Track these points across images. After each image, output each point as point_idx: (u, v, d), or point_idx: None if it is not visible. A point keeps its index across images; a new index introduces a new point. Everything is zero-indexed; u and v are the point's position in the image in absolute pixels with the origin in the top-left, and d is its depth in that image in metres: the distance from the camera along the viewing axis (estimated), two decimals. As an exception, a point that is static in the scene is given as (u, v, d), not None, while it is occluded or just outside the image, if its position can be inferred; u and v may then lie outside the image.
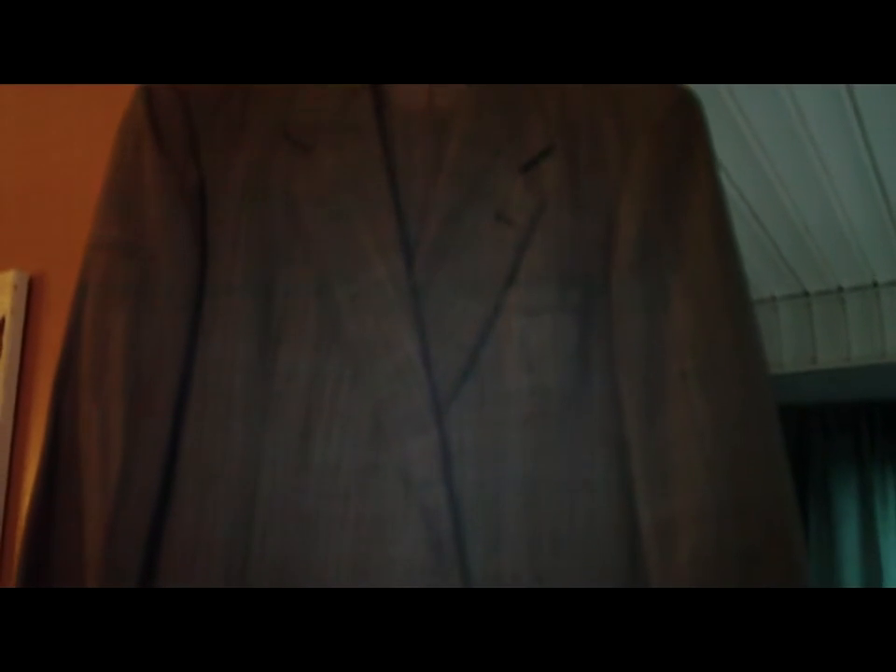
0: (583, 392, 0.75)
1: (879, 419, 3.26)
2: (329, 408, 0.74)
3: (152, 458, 0.74)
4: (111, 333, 0.77)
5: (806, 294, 3.10)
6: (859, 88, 1.97)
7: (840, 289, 3.05)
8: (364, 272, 0.76)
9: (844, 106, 2.05)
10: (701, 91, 0.84)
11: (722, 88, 1.96)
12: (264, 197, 0.80)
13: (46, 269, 1.12)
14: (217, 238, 0.79)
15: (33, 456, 0.82)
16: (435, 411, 0.73)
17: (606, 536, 0.73)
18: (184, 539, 0.74)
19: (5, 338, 1.08)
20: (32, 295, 1.11)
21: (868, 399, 3.30)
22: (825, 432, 3.31)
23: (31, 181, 1.19)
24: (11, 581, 0.74)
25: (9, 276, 1.11)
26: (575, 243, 0.77)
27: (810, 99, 2.02)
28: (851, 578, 3.06)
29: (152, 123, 0.80)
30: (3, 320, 1.09)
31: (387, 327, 0.75)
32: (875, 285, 3.01)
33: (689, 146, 0.80)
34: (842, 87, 1.97)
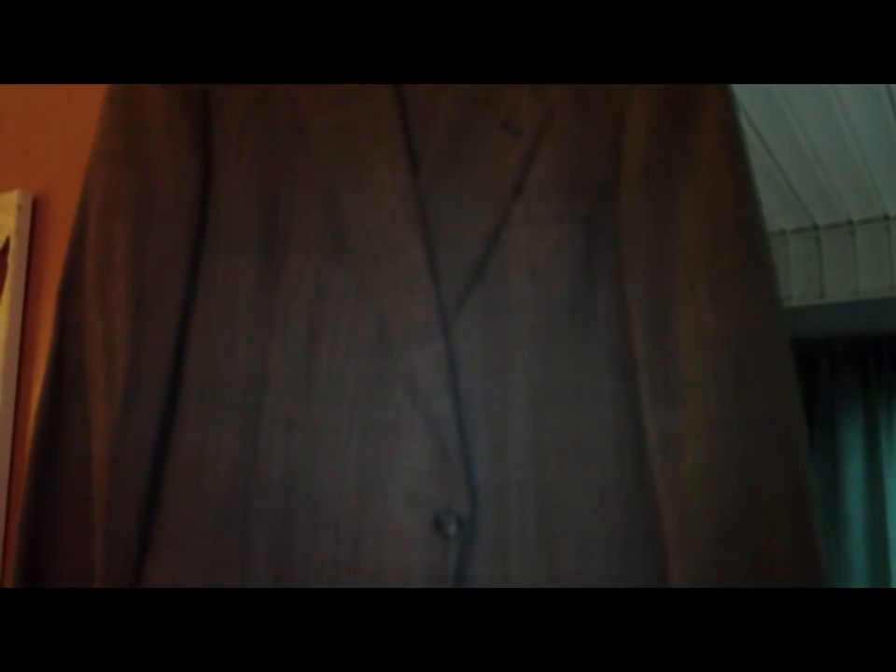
0: (590, 302, 0.74)
1: (887, 353, 3.25)
2: (335, 319, 0.74)
3: (158, 369, 0.74)
4: (115, 243, 0.76)
5: (816, 227, 3.07)
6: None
7: (850, 222, 3.02)
8: (369, 181, 0.75)
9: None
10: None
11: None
12: (269, 107, 0.78)
13: (50, 188, 1.11)
14: (220, 147, 0.78)
15: (40, 374, 0.82)
16: (441, 321, 0.72)
17: (611, 445, 0.73)
18: (190, 448, 0.74)
19: (10, 258, 1.07)
20: (36, 215, 1.10)
21: (876, 333, 3.29)
22: (832, 366, 3.30)
23: (33, 100, 1.17)
24: (21, 495, 0.75)
25: (13, 196, 1.10)
26: (583, 152, 0.76)
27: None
28: (855, 511, 3.08)
29: None
30: (8, 241, 1.09)
31: (393, 237, 0.74)
32: (886, 217, 2.98)
33: None
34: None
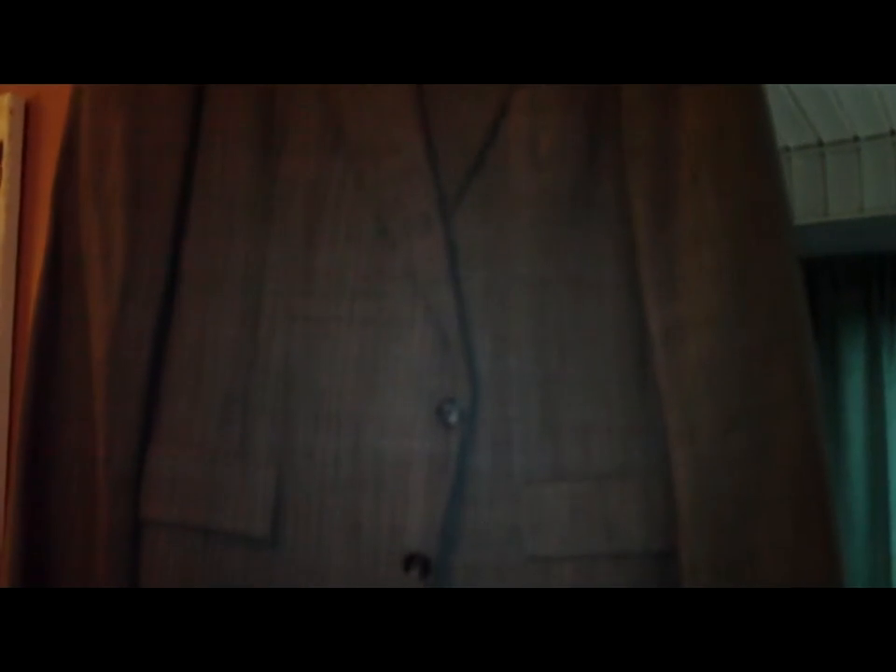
0: (592, 194, 0.73)
1: (889, 271, 3.23)
2: (333, 212, 0.73)
3: (155, 261, 0.73)
4: (109, 138, 0.75)
5: (821, 144, 3.03)
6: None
7: (856, 139, 2.98)
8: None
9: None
10: None
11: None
12: None
13: (42, 92, 1.09)
14: None
15: (38, 275, 0.81)
16: (441, 212, 0.71)
17: (613, 336, 0.73)
18: (189, 341, 0.74)
19: (4, 163, 1.06)
20: (29, 118, 1.08)
21: (879, 251, 3.27)
22: (834, 284, 3.28)
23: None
24: (21, 392, 0.75)
25: (5, 100, 1.08)
26: None
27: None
28: (855, 428, 3.09)
29: None
30: (1, 144, 1.07)
31: (392, 127, 0.73)
32: (893, 133, 2.93)
33: None
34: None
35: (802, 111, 2.79)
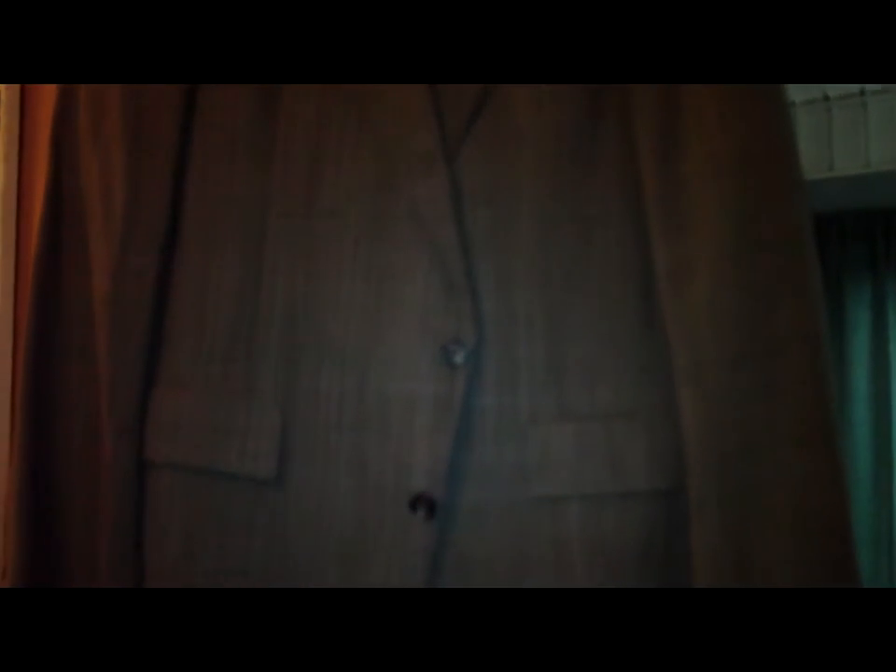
0: (597, 129, 0.72)
1: (896, 227, 3.22)
2: (336, 150, 0.72)
3: (156, 202, 0.73)
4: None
5: (827, 99, 3.00)
6: None
7: (862, 93, 2.95)
8: None
9: None
10: None
11: None
12: None
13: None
14: None
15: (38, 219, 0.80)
16: (444, 150, 0.70)
17: (619, 275, 0.72)
18: (192, 282, 0.73)
19: (2, 110, 1.05)
20: (27, 66, 1.07)
21: (886, 207, 3.24)
22: (841, 240, 3.26)
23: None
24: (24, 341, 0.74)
25: (2, 48, 1.07)
26: None
27: None
28: (860, 384, 3.08)
29: None
30: (-1, 92, 1.06)
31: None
32: (900, 87, 2.90)
33: None
34: None
35: (808, 64, 2.75)
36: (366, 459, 0.70)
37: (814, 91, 2.96)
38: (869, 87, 2.93)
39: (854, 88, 2.94)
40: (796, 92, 2.96)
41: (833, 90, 2.96)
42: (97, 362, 0.72)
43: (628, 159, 0.72)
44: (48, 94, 1.07)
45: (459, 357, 0.69)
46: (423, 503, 0.69)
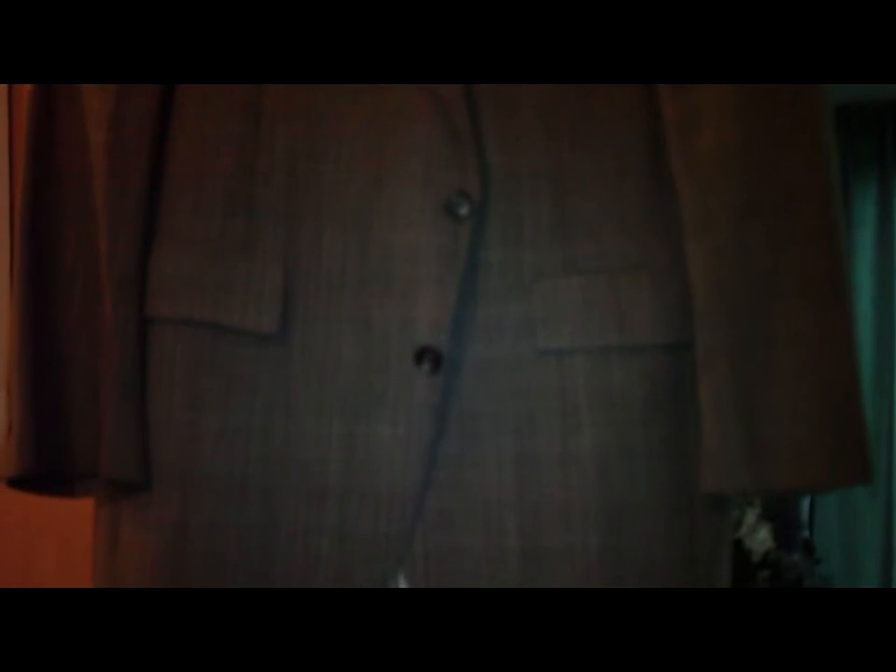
0: None
1: (904, 121, 3.16)
2: None
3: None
4: None
5: (837, -13, 2.92)
6: None
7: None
8: None
9: None
10: None
11: None
12: None
13: None
14: None
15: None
16: None
17: (626, 128, 0.72)
18: (191, 135, 0.72)
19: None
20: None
21: (894, 100, 3.18)
22: (847, 134, 3.21)
23: None
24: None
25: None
26: None
27: None
28: (863, 279, 3.07)
29: None
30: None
31: None
32: (912, -26, 2.82)
33: None
34: None
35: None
36: (370, 314, 0.69)
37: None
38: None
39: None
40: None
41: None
42: (95, 221, 0.71)
43: None
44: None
45: (464, 210, 0.68)
46: (428, 356, 0.68)
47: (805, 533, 2.99)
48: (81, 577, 0.80)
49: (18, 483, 0.71)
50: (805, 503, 3.03)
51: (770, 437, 0.67)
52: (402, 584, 0.73)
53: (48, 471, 0.70)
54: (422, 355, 0.68)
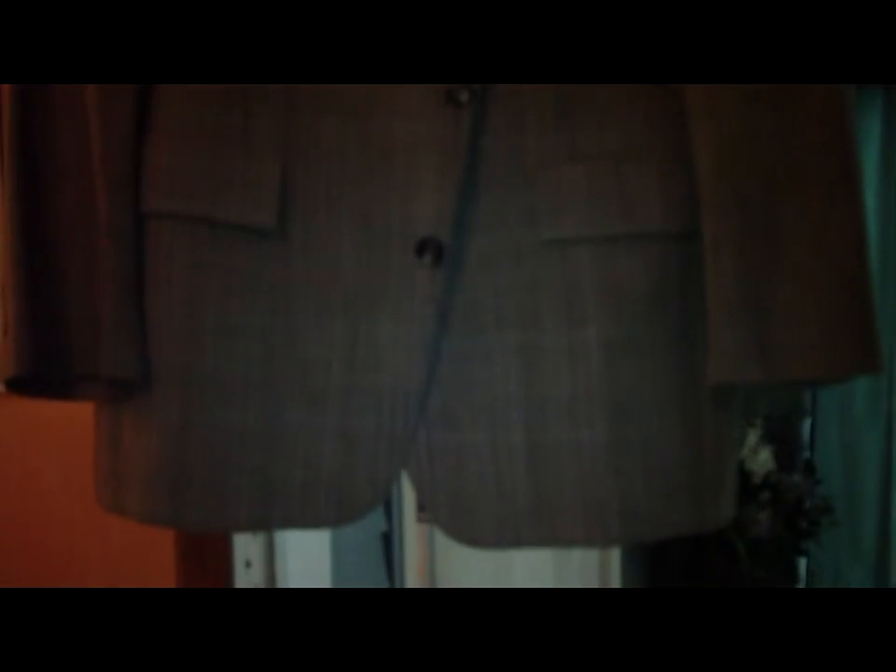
0: None
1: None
2: None
3: None
4: None
5: None
6: None
7: None
8: None
9: None
10: None
11: None
12: None
13: None
14: None
15: None
16: None
17: None
18: None
19: None
20: None
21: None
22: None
23: None
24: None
25: None
26: None
27: None
28: (868, 203, 3.00)
29: None
30: None
31: None
32: None
33: None
34: None
35: None
36: (370, 206, 0.68)
37: None
38: None
39: None
40: None
41: None
42: (87, 109, 0.68)
43: None
44: None
45: (464, 96, 0.66)
46: (429, 248, 0.67)
47: (806, 454, 3.00)
48: (85, 489, 0.80)
49: (16, 384, 0.70)
50: (807, 424, 3.04)
51: (778, 326, 0.66)
52: (406, 483, 0.72)
53: (46, 371, 0.69)
54: (423, 247, 0.67)
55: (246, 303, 0.69)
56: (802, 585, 2.70)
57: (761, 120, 0.66)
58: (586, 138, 0.68)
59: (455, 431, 0.70)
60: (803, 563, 2.69)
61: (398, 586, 1.70)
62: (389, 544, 1.76)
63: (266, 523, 0.72)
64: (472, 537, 0.70)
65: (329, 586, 1.61)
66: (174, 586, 1.42)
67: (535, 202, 0.68)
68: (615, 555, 1.71)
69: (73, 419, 0.84)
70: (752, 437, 2.68)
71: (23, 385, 0.71)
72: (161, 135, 0.69)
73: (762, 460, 2.68)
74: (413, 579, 1.65)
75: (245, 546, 1.52)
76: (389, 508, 1.72)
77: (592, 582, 1.63)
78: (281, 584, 1.51)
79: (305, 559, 1.59)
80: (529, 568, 1.63)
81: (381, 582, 1.77)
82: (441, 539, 1.33)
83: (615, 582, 1.68)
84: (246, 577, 1.50)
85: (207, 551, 1.49)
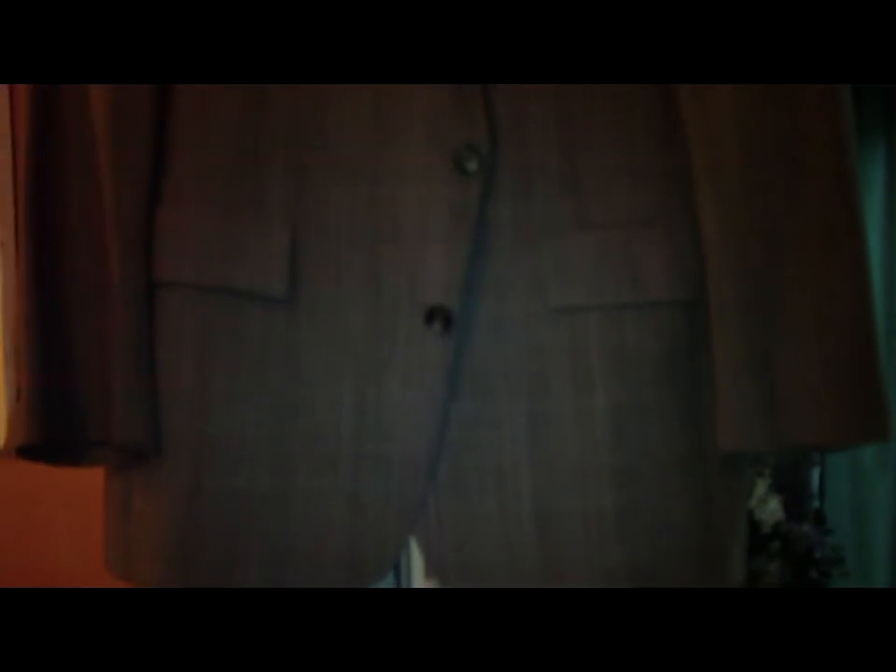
0: None
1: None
2: None
3: None
4: None
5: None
6: None
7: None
8: None
9: None
10: None
11: None
12: None
13: None
14: None
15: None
16: None
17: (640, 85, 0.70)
18: (194, 91, 0.70)
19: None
20: None
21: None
22: (853, 93, 3.14)
23: None
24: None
25: None
26: None
27: None
28: (872, 250, 3.00)
29: None
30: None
31: None
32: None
33: None
34: None
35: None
36: (379, 273, 0.68)
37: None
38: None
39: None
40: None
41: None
42: (100, 181, 0.69)
43: None
44: None
45: (472, 164, 0.67)
46: (438, 316, 0.67)
47: (816, 503, 2.98)
48: (93, 553, 0.80)
49: (27, 451, 0.71)
50: (816, 474, 3.02)
51: (785, 393, 0.66)
52: (415, 549, 0.72)
53: (57, 438, 0.69)
54: (432, 314, 0.67)
55: (256, 368, 0.70)
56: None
57: (764, 182, 0.67)
58: (593, 204, 0.69)
59: (464, 497, 0.70)
60: (814, 614, 2.66)
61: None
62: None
63: (275, 586, 0.71)
64: None
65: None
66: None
67: (542, 269, 0.68)
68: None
69: (81, 478, 0.84)
70: (761, 486, 2.67)
71: (34, 451, 0.71)
72: (173, 203, 0.70)
73: (771, 509, 2.66)
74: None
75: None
76: (398, 569, 1.70)
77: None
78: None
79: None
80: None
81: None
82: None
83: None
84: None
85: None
